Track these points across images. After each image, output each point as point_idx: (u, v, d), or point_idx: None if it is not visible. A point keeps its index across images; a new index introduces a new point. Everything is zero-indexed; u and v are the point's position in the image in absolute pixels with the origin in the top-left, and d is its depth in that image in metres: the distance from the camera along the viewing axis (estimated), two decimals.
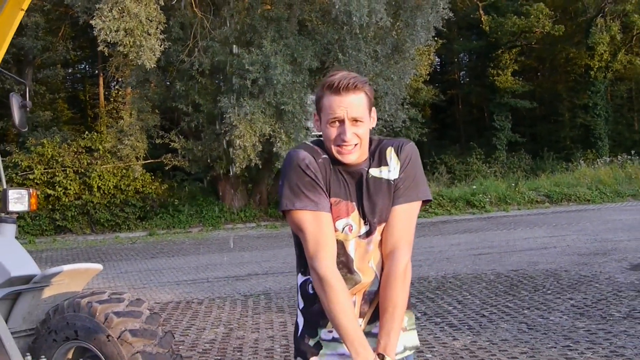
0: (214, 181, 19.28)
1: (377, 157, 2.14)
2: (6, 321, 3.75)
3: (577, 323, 5.95)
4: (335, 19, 15.59)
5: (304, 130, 15.94)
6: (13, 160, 17.79)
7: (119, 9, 14.14)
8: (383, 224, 2.12)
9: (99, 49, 16.04)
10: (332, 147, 2.07)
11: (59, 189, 17.62)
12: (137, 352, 3.55)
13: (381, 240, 2.12)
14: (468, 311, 6.72)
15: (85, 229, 17.76)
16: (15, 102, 3.97)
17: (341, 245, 2.09)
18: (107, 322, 3.60)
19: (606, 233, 12.50)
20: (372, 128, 2.14)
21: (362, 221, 2.11)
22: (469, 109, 34.91)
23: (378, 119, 17.62)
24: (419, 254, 10.76)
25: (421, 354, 5.24)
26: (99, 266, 4.20)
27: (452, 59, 34.57)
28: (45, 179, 17.68)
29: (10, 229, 4.09)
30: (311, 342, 2.14)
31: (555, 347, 5.24)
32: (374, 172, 2.13)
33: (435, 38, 20.38)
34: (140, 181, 18.57)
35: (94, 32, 14.72)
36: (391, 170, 2.13)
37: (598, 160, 24.60)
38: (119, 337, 3.57)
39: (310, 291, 2.13)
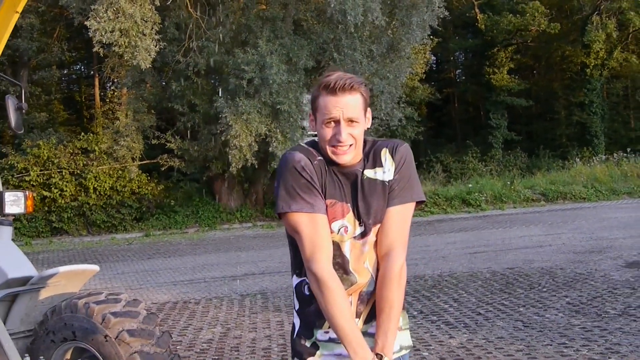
0: (210, 181, 19.27)
1: (371, 158, 2.15)
2: (4, 323, 3.76)
3: (573, 320, 5.98)
4: (330, 18, 15.60)
5: (300, 130, 15.96)
6: (9, 162, 17.79)
7: (114, 10, 14.14)
8: (378, 225, 2.13)
9: (94, 49, 16.02)
10: (327, 147, 2.07)
11: (55, 191, 17.61)
12: (134, 352, 3.57)
13: (376, 241, 2.14)
14: (464, 309, 6.75)
15: (81, 231, 17.75)
16: (11, 104, 3.97)
17: (337, 247, 2.10)
18: (104, 322, 3.62)
19: (602, 231, 12.54)
20: (368, 127, 2.14)
21: (357, 222, 2.12)
22: (464, 108, 34.97)
23: (374, 118, 17.59)
24: (415, 252, 10.79)
25: (418, 352, 5.26)
26: (95, 267, 4.21)
27: (448, 58, 34.62)
28: (41, 180, 17.67)
29: (7, 231, 4.09)
30: (307, 343, 2.15)
31: (550, 345, 5.27)
32: (368, 173, 2.13)
33: (431, 36, 20.41)
34: (137, 182, 18.57)
35: (89, 33, 14.72)
36: (386, 171, 2.14)
37: (594, 158, 24.65)
38: (117, 337, 3.58)
39: (306, 292, 2.14)
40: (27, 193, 4.15)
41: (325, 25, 16.56)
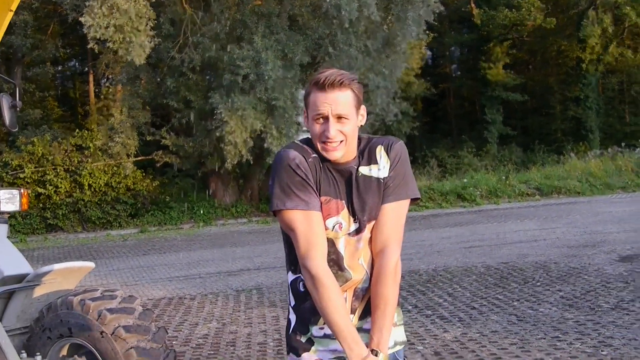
0: (205, 177, 19.28)
1: (366, 155, 2.16)
2: (0, 320, 3.78)
3: (566, 314, 6.01)
4: (325, 13, 15.60)
5: (295, 126, 15.96)
6: (3, 160, 17.75)
7: (108, 6, 14.11)
8: (373, 222, 2.14)
9: (89, 46, 15.99)
10: (317, 143, 2.08)
11: (50, 188, 17.58)
12: (131, 348, 3.59)
13: (371, 238, 2.15)
14: (458, 303, 6.78)
15: (76, 227, 17.73)
16: (5, 102, 3.96)
17: (331, 243, 2.11)
18: (100, 318, 3.64)
19: (596, 225, 12.59)
20: (362, 124, 2.14)
21: (351, 219, 2.13)
22: (460, 102, 34.99)
23: (369, 113, 17.53)
24: (410, 247, 10.82)
25: (412, 346, 5.29)
26: (91, 264, 4.22)
27: (443, 53, 34.62)
28: (36, 177, 17.63)
29: (2, 228, 4.10)
30: (303, 339, 2.17)
31: (544, 338, 5.31)
32: (363, 170, 2.14)
33: (427, 32, 20.41)
34: (132, 178, 18.54)
35: (84, 29, 14.68)
36: (381, 168, 2.15)
37: (589, 152, 24.70)
38: (113, 333, 3.60)
39: (301, 289, 2.15)
40: (22, 190, 4.16)
41: (321, 20, 16.55)
